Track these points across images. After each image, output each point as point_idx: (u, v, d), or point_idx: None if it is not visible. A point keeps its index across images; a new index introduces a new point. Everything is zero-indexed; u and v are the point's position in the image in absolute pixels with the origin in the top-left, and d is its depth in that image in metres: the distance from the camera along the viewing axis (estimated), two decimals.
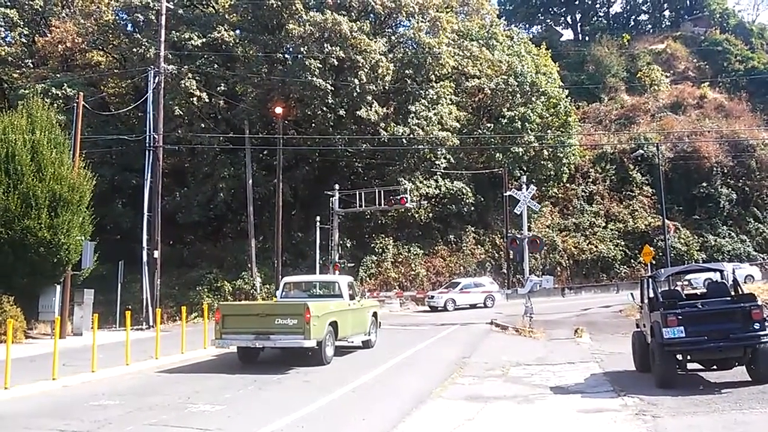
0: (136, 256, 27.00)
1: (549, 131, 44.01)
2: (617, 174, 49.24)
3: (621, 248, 44.10)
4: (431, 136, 37.06)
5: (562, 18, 79.29)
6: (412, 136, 36.45)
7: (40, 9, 39.56)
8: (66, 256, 20.19)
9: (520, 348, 17.46)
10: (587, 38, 72.49)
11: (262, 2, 35.29)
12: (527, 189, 25.10)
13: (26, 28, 40.07)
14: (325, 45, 34.30)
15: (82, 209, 20.93)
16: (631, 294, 13.60)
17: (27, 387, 11.72)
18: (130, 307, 21.73)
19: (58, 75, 36.22)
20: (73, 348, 16.88)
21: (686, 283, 29.22)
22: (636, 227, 45.25)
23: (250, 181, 35.47)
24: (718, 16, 74.06)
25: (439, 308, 32.54)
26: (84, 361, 13.73)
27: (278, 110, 32.90)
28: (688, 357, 11.13)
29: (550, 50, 51.38)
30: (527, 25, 75.67)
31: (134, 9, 36.90)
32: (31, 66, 40.16)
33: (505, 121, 41.96)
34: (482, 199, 41.81)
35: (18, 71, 39.34)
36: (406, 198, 33.78)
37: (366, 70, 34.83)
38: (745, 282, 23.13)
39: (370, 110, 35.24)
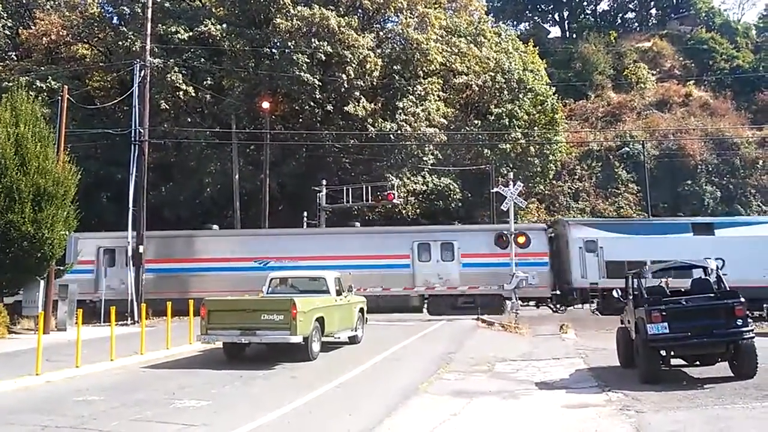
0: None
1: (536, 128, 44.17)
2: (603, 171, 49.58)
3: None
4: (419, 132, 37.09)
5: (550, 15, 79.54)
6: (399, 132, 36.45)
7: (24, 0, 39.13)
8: (50, 251, 19.98)
9: (505, 344, 17.55)
10: (575, 36, 72.72)
11: None
12: (514, 185, 25.16)
13: (10, 20, 39.62)
14: (313, 40, 34.20)
15: (67, 203, 20.69)
16: (616, 290, 13.70)
17: (10, 382, 11.60)
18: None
19: (43, 68, 35.84)
20: (57, 343, 16.71)
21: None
22: None
23: (237, 176, 35.32)
24: (704, 15, 74.60)
25: None
26: (68, 357, 13.61)
27: (265, 105, 32.80)
28: (672, 353, 11.27)
29: (537, 47, 51.56)
30: (515, 22, 75.83)
31: (120, 1, 36.70)
32: (15, 58, 39.72)
33: (493, 117, 42.07)
34: (469, 195, 41.89)
35: (1, 64, 38.88)
36: (394, 194, 33.78)
37: (354, 66, 34.77)
38: None
39: (358, 106, 35.19)
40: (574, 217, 45.81)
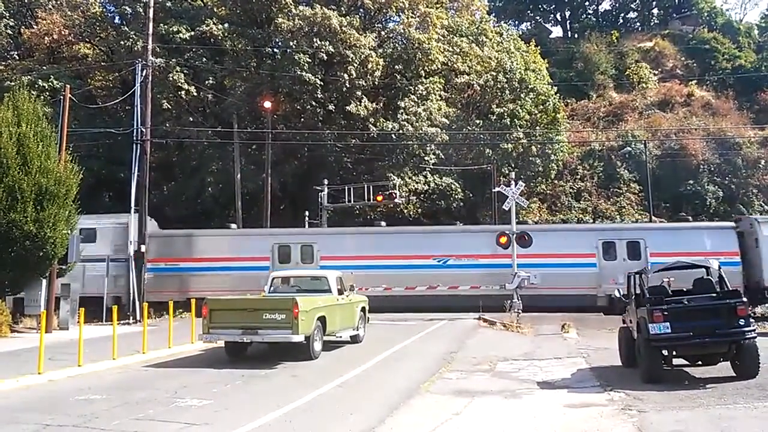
0: None
1: (538, 128, 44.13)
2: (605, 171, 49.47)
3: None
4: (420, 131, 37.07)
5: (552, 15, 79.43)
6: (401, 131, 36.44)
7: (26, 0, 39.17)
8: (52, 250, 20.01)
9: (507, 343, 17.55)
10: (576, 35, 72.62)
11: None
12: (516, 185, 25.12)
13: (12, 20, 39.66)
14: (315, 39, 34.19)
15: (69, 203, 20.73)
16: (617, 290, 13.69)
17: (12, 381, 11.63)
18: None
19: (45, 67, 35.89)
20: (59, 342, 16.76)
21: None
22: None
23: (239, 176, 35.33)
24: (706, 15, 74.48)
25: None
26: (70, 356, 13.64)
27: (267, 104, 32.79)
28: (674, 352, 11.25)
29: (539, 47, 51.47)
30: (517, 22, 75.70)
31: (122, 1, 36.70)
32: (17, 58, 39.79)
33: (494, 117, 42.04)
34: (471, 195, 41.87)
35: (4, 63, 38.93)
36: (395, 193, 33.77)
37: (355, 65, 34.75)
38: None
39: (360, 105, 35.18)
40: (576, 217, 45.79)
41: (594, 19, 78.16)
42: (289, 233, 29.37)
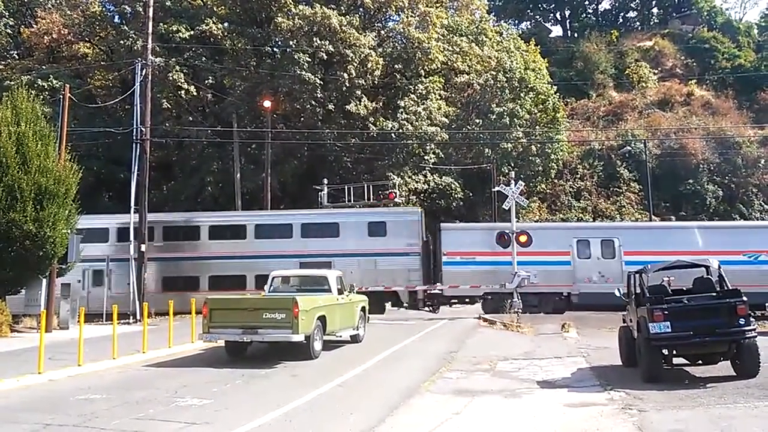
0: None
1: (537, 127, 44.14)
2: (605, 170, 49.51)
3: None
4: (420, 131, 37.07)
5: (551, 14, 79.45)
6: (401, 131, 36.43)
7: None
8: (52, 250, 19.97)
9: (507, 343, 17.54)
10: (576, 35, 72.66)
11: None
12: (515, 184, 25.14)
13: (11, 19, 39.71)
14: (314, 39, 34.21)
15: (68, 202, 20.70)
16: (618, 289, 13.69)
17: (12, 381, 11.62)
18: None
19: (44, 67, 35.92)
20: (59, 342, 16.74)
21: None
22: None
23: (238, 175, 35.33)
24: (706, 14, 74.50)
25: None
26: (70, 355, 13.63)
27: (267, 104, 32.83)
28: (674, 352, 11.25)
29: (539, 46, 51.48)
30: (516, 21, 75.70)
31: (121, 0, 36.65)
32: (17, 57, 39.81)
33: (494, 116, 42.03)
34: (471, 194, 41.86)
35: (3, 63, 38.95)
36: (395, 193, 33.72)
37: (355, 65, 34.76)
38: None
39: (359, 105, 35.19)
40: (575, 216, 45.81)
41: (594, 19, 78.23)
42: (589, 227, 29.58)
